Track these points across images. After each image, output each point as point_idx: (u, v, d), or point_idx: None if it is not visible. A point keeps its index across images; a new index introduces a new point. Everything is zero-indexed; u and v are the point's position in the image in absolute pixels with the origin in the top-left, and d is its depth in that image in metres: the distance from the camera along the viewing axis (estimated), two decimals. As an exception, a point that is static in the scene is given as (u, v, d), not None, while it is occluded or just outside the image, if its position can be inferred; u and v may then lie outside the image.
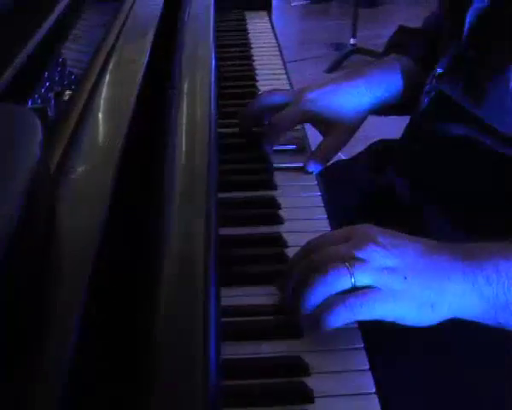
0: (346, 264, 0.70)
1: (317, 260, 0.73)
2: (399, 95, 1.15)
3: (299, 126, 1.14)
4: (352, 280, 0.69)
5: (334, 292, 0.70)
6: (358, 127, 1.12)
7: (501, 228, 0.92)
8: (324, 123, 1.09)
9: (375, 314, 0.69)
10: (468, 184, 0.98)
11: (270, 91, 1.15)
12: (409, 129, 1.14)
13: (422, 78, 1.11)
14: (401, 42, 1.23)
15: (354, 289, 0.69)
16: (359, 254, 0.71)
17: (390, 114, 1.21)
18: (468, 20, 0.97)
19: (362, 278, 0.69)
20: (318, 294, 0.70)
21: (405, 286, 0.70)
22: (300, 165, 1.06)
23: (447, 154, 1.02)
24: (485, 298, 0.72)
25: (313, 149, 1.10)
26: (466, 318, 0.73)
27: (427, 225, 1.02)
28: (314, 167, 1.05)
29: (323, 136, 1.11)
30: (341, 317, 0.69)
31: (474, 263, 0.72)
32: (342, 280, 0.69)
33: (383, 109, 1.17)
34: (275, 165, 1.06)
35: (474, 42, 0.97)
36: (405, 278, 0.70)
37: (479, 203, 0.97)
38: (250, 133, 1.12)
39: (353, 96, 1.10)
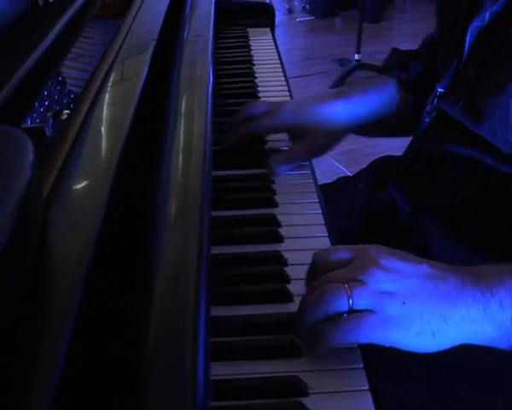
0: (346, 286, 0.69)
1: (319, 279, 0.72)
2: (381, 116, 1.16)
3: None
4: (350, 302, 0.68)
5: (331, 312, 0.69)
6: (332, 144, 1.14)
7: (503, 246, 0.92)
8: (297, 134, 1.11)
9: (368, 339, 0.68)
10: (469, 203, 0.98)
11: (256, 101, 1.19)
12: (410, 148, 1.14)
13: (408, 100, 1.13)
14: (392, 65, 1.25)
15: (351, 312, 0.69)
16: (360, 277, 0.70)
17: (374, 135, 1.22)
18: (468, 39, 0.97)
19: (359, 301, 0.68)
20: (315, 312, 0.70)
21: (403, 312, 0.68)
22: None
23: (448, 173, 1.01)
24: (499, 323, 0.70)
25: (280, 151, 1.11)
26: (478, 343, 0.72)
27: (429, 243, 1.02)
28: (277, 171, 1.07)
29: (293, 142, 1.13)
30: (336, 339, 0.68)
31: (485, 288, 0.70)
32: (340, 301, 0.69)
33: (365, 129, 1.18)
34: None
35: (474, 60, 0.97)
36: (403, 303, 0.69)
37: (479, 222, 0.97)
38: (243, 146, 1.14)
39: (329, 114, 1.11)
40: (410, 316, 0.68)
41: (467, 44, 0.98)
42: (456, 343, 0.70)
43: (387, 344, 0.69)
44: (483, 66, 0.95)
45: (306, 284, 0.77)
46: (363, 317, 0.68)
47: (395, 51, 1.28)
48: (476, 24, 0.96)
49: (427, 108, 1.06)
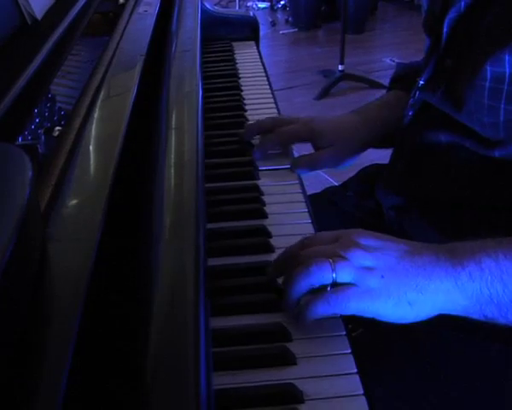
0: (330, 260, 0.75)
1: (303, 255, 0.78)
2: (394, 128, 1.19)
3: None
4: (334, 275, 0.74)
5: (316, 284, 0.75)
6: (352, 156, 1.20)
7: (486, 235, 0.94)
8: (321, 143, 1.16)
9: (351, 309, 0.74)
10: (451, 191, 1.00)
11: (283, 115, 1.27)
12: (394, 148, 1.16)
13: None
14: (398, 78, 1.29)
15: (335, 285, 0.74)
16: (343, 253, 0.76)
17: (390, 146, 1.25)
18: (445, 29, 0.99)
19: (342, 274, 0.74)
20: (302, 284, 0.75)
21: (382, 284, 0.74)
22: (286, 167, 1.13)
23: (429, 163, 1.04)
24: (469, 294, 0.74)
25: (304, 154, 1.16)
26: (452, 313, 0.76)
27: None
28: (298, 171, 1.12)
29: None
30: (319, 310, 0.74)
31: (457, 261, 0.75)
32: (324, 273, 0.74)
33: (383, 142, 1.24)
34: (261, 168, 1.12)
35: (451, 50, 1.00)
36: (382, 276, 0.74)
37: (462, 210, 0.99)
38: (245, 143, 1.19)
39: (351, 128, 1.18)
40: (388, 288, 0.74)
41: (444, 35, 1.00)
42: (433, 314, 0.75)
43: (368, 315, 0.74)
44: (460, 54, 0.97)
45: (285, 254, 0.82)
46: (346, 289, 0.74)
47: (400, 65, 1.33)
48: (452, 15, 0.98)
49: (410, 101, 1.09)
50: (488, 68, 0.88)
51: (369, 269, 0.75)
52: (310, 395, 0.69)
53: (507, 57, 0.86)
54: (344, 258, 0.75)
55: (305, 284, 0.75)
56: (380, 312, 0.74)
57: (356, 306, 0.73)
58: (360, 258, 0.75)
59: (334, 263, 0.74)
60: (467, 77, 0.92)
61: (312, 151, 1.18)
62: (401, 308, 0.74)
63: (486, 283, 0.74)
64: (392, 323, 0.75)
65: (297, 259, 0.78)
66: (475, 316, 0.76)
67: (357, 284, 0.74)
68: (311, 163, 1.14)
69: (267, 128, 1.17)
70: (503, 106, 0.88)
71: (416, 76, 1.17)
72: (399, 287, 0.74)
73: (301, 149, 1.17)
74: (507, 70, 0.86)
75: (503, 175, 0.92)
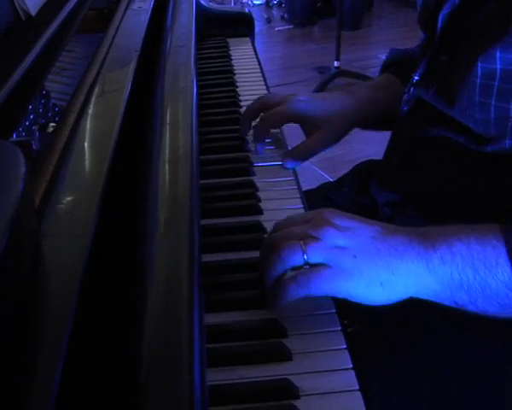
0: (301, 242, 0.75)
1: (276, 238, 0.78)
2: (385, 111, 1.20)
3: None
4: (305, 257, 0.74)
5: (288, 267, 0.75)
6: (342, 137, 1.18)
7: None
8: (310, 123, 1.15)
9: (323, 290, 0.74)
10: (445, 187, 1.00)
11: (268, 94, 1.26)
12: (389, 143, 1.16)
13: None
14: (391, 63, 1.29)
15: (307, 266, 0.74)
16: (314, 234, 0.76)
17: (380, 129, 1.25)
18: (439, 25, 0.99)
19: (313, 255, 0.74)
20: (274, 269, 0.76)
21: (354, 264, 0.74)
22: (279, 163, 1.13)
23: (423, 158, 1.04)
24: (440, 278, 0.74)
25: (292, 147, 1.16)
26: (423, 297, 0.76)
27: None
28: (291, 164, 1.12)
29: (307, 136, 1.17)
30: (292, 292, 0.74)
31: (429, 244, 0.75)
32: (295, 256, 0.74)
33: (372, 123, 1.23)
34: (256, 164, 1.13)
35: (445, 46, 1.00)
36: (355, 256, 0.74)
37: (456, 206, 0.99)
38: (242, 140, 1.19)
39: (341, 107, 1.16)
40: (360, 268, 0.74)
41: (438, 31, 1.00)
42: (405, 296, 0.75)
43: (341, 296, 0.74)
44: (454, 50, 0.97)
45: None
46: (318, 269, 0.74)
47: (394, 51, 1.31)
48: (446, 10, 0.98)
49: (405, 96, 1.09)
50: (479, 65, 0.88)
51: (341, 248, 0.75)
52: (306, 390, 0.69)
53: (498, 53, 0.85)
54: (315, 238, 0.75)
55: (278, 268, 0.75)
56: (352, 292, 0.74)
57: (328, 286, 0.74)
58: (332, 237, 0.75)
59: (305, 245, 0.74)
60: (460, 73, 0.92)
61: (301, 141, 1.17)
62: (373, 289, 0.74)
63: (457, 267, 0.74)
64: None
65: (272, 243, 0.78)
66: (446, 302, 0.76)
67: (330, 264, 0.74)
68: (305, 150, 1.14)
69: (257, 111, 1.18)
70: (493, 103, 0.88)
71: (410, 64, 1.17)
72: (371, 267, 0.74)
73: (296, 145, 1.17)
74: (498, 66, 0.86)
75: (496, 172, 0.92)
